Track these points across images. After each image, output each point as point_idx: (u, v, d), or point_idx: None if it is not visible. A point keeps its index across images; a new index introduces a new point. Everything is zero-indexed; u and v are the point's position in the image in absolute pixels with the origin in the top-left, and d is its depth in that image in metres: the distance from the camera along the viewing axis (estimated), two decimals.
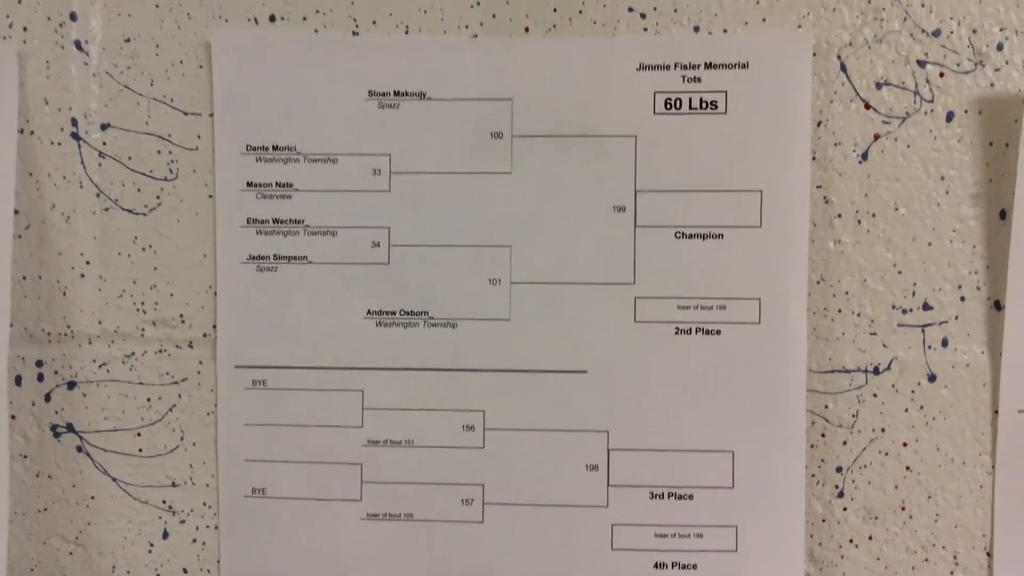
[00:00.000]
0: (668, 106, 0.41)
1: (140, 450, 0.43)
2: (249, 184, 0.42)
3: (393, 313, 0.42)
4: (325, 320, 0.42)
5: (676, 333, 0.41)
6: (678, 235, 0.41)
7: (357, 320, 0.42)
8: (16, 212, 0.42)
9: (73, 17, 0.42)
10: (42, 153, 0.42)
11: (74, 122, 0.42)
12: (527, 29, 0.41)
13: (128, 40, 0.42)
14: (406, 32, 0.42)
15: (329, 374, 0.42)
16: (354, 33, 0.42)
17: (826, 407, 0.41)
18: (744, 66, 0.40)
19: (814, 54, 0.41)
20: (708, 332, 0.41)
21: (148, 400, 0.43)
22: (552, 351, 0.41)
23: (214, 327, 0.42)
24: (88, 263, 0.43)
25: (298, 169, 0.41)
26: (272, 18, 0.42)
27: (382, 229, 0.41)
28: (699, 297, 0.41)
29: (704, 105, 0.40)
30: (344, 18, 0.42)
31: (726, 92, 0.40)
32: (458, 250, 0.41)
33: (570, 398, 0.41)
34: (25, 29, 0.42)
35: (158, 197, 0.42)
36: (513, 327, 0.41)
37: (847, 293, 0.41)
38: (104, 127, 0.42)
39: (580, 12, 0.41)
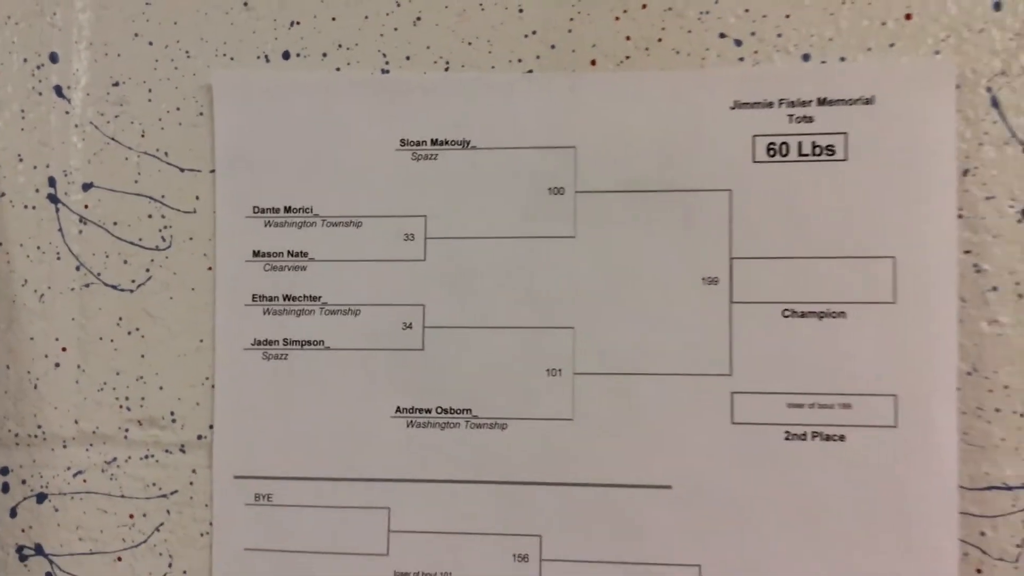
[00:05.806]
0: (772, 152, 0.33)
1: None
2: (256, 253, 0.35)
3: (428, 411, 0.34)
4: (345, 420, 0.35)
5: (786, 439, 0.33)
6: (787, 313, 0.33)
7: (384, 420, 0.34)
8: None
9: (54, 58, 0.36)
10: (13, 218, 0.36)
11: (52, 181, 0.36)
12: (593, 62, 0.34)
13: (116, 84, 0.36)
14: (446, 68, 0.34)
15: (349, 487, 0.34)
16: (383, 71, 0.35)
17: (982, 534, 0.33)
18: (868, 101, 0.33)
19: (957, 86, 0.32)
20: (828, 438, 0.33)
21: (131, 517, 0.35)
22: (627, 461, 0.33)
23: (211, 427, 0.35)
24: (64, 350, 0.36)
25: (315, 235, 0.34)
26: (286, 55, 0.35)
27: (416, 307, 0.34)
28: (816, 393, 0.33)
29: (818, 151, 0.33)
30: (372, 53, 0.35)
31: (846, 134, 0.33)
32: (508, 333, 0.34)
33: (650, 522, 0.33)
34: None
35: (148, 270, 0.35)
36: (577, 430, 0.34)
37: (1007, 388, 0.33)
38: (87, 187, 0.36)
39: (659, 40, 0.34)
